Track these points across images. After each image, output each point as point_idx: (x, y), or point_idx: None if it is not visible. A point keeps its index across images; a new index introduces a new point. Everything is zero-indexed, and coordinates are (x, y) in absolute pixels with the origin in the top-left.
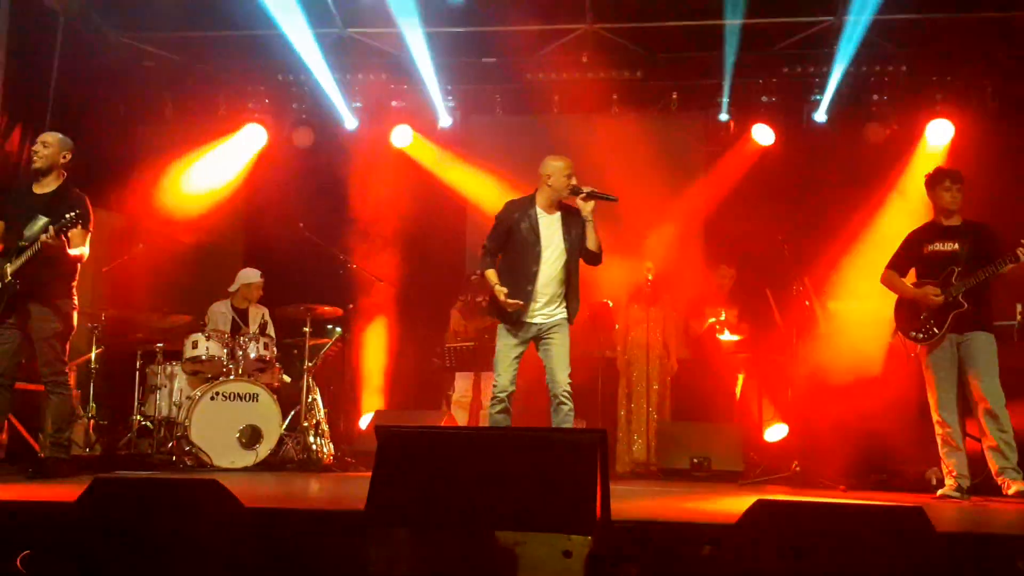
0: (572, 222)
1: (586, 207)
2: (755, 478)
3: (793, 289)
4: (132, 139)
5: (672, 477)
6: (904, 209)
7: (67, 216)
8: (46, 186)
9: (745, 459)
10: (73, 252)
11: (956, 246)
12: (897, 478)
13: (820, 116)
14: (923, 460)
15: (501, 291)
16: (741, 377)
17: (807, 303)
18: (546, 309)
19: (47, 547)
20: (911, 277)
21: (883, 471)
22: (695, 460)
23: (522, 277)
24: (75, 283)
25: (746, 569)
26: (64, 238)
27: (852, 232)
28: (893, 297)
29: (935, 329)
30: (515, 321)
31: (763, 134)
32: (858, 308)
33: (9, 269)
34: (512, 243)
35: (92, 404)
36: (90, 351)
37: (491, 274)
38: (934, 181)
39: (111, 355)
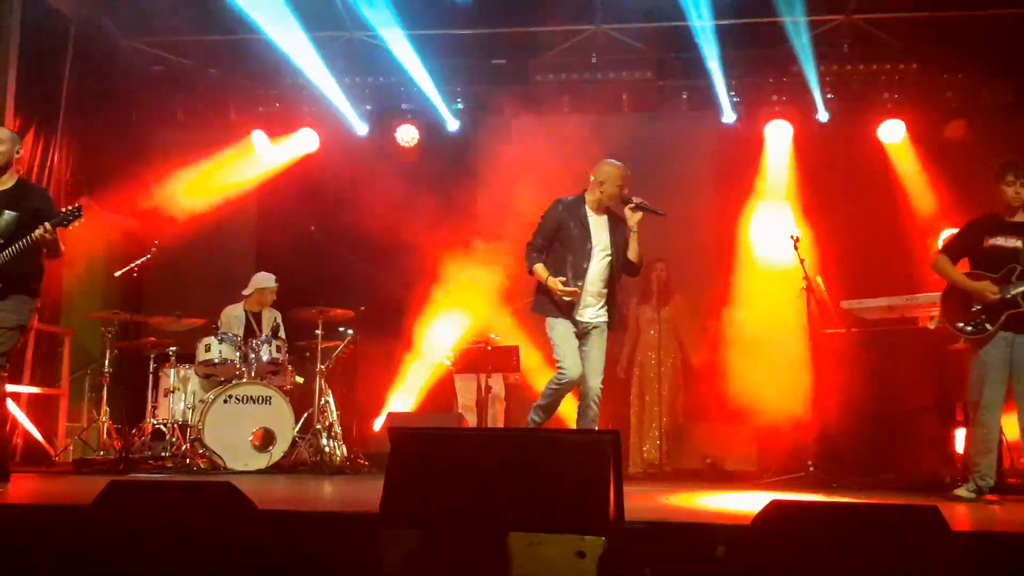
0: (617, 228)
1: (633, 218)
2: (768, 478)
3: (806, 289)
4: (143, 143)
5: (685, 478)
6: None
7: (66, 209)
8: (4, 183)
9: (758, 460)
10: (61, 249)
11: (1020, 243)
12: (911, 477)
13: (823, 114)
14: (938, 459)
15: (557, 282)
16: None
17: (820, 303)
18: (591, 308)
19: (63, 550)
20: (962, 267)
21: (897, 470)
22: (708, 461)
23: (572, 273)
24: (41, 277)
25: (761, 570)
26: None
27: (865, 230)
28: None
29: (987, 325)
30: (567, 314)
31: (775, 132)
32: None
33: None
34: (560, 240)
35: (106, 407)
36: (104, 355)
37: (540, 268)
38: (997, 175)
39: (125, 358)
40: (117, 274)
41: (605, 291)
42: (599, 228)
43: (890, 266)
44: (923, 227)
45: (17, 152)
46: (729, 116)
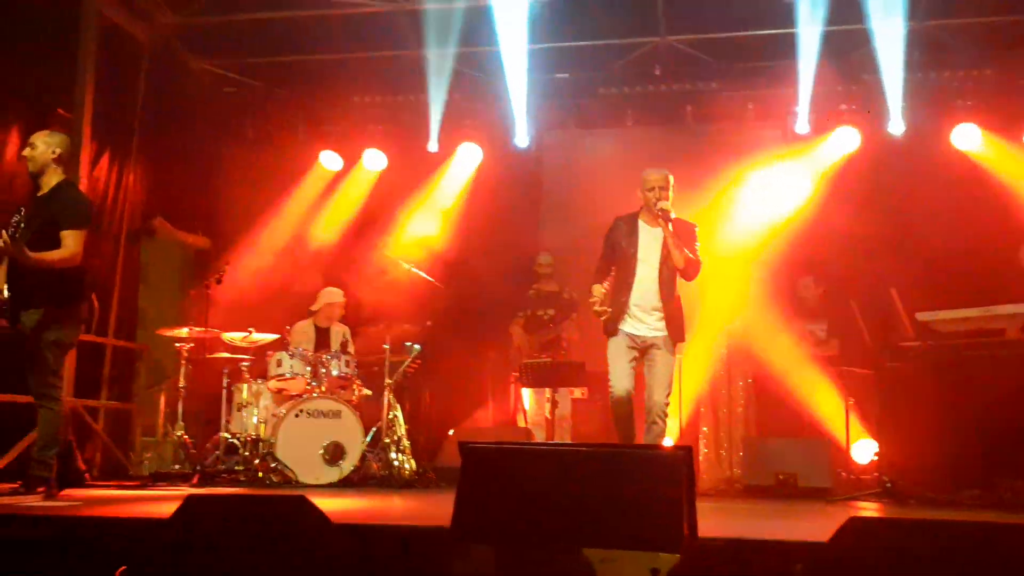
0: (678, 235)
1: (660, 223)
2: (844, 495)
3: (881, 301)
4: (214, 164)
5: (757, 494)
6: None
7: (13, 220)
8: (46, 187)
9: (833, 475)
10: (54, 258)
11: None
12: (994, 494)
13: (897, 122)
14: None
15: (593, 301)
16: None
17: (895, 315)
18: (645, 323)
19: (143, 563)
20: None
21: (979, 486)
22: (781, 476)
23: (621, 288)
24: (77, 289)
25: None
26: (23, 244)
27: (940, 240)
28: None
29: None
30: (613, 331)
31: (845, 139)
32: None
33: (1, 278)
34: (616, 257)
35: (180, 421)
36: (178, 370)
37: (593, 288)
38: None
39: (198, 374)
40: (191, 292)
41: (659, 303)
42: (652, 240)
43: (966, 277)
44: (1000, 236)
45: (54, 153)
46: (803, 126)
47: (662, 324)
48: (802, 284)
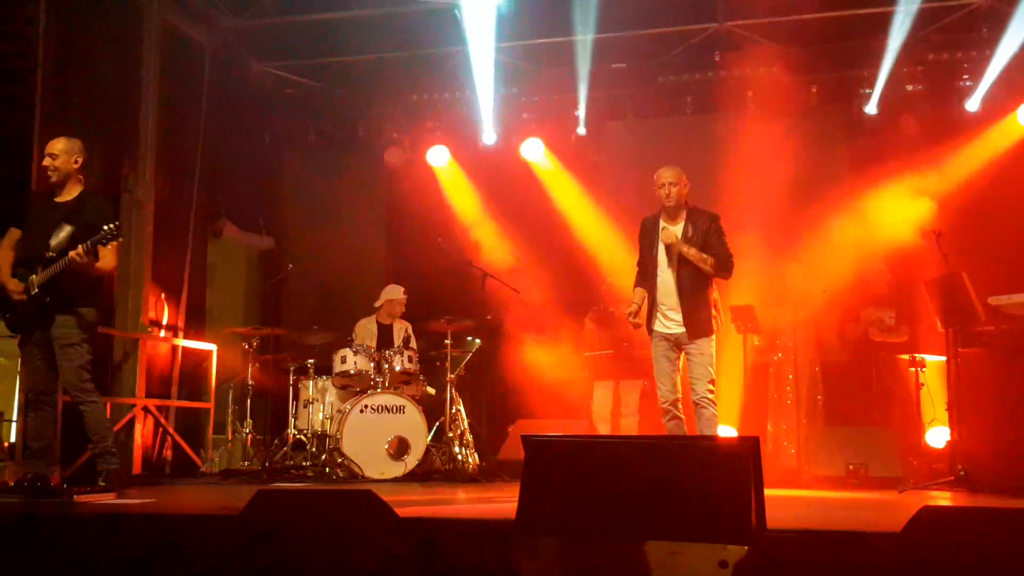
0: (691, 232)
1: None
2: (916, 484)
3: (950, 286)
4: (277, 164)
5: (826, 484)
6: None
7: (105, 229)
8: (67, 194)
9: (904, 464)
10: (103, 267)
11: None
12: None
13: (973, 103)
14: None
15: (629, 312)
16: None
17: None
18: (673, 319)
19: (215, 557)
20: None
21: None
22: (851, 466)
23: (650, 289)
24: (100, 289)
25: None
26: (93, 253)
27: (1013, 222)
28: None
29: None
30: (651, 333)
31: (909, 120)
32: None
33: (36, 281)
34: (645, 258)
35: (249, 419)
36: (246, 368)
37: (635, 291)
38: None
39: (266, 371)
40: (257, 291)
41: (678, 302)
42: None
43: None
44: None
45: (75, 162)
46: (873, 107)
47: (694, 319)
48: (875, 271)
